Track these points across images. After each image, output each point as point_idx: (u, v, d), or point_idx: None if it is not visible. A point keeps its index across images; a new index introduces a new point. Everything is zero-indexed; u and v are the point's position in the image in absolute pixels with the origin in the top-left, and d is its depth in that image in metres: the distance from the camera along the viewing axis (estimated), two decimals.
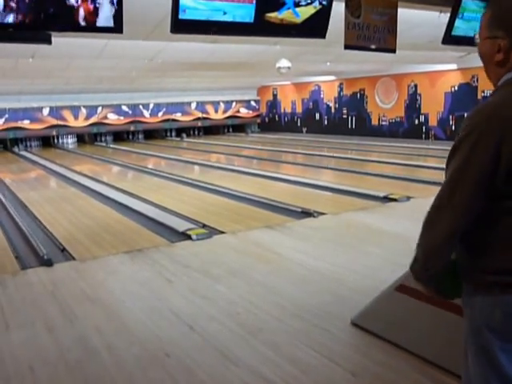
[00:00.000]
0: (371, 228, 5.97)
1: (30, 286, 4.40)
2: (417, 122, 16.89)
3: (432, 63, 14.75)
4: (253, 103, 23.30)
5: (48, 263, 4.92)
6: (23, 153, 17.98)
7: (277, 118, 22.95)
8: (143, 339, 3.33)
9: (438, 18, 4.67)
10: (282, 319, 3.54)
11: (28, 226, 6.43)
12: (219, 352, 3.11)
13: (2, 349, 3.27)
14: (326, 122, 20.41)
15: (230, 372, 2.88)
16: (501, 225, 1.52)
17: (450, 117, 15.84)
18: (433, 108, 16.29)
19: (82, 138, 20.73)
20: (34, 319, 3.70)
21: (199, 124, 22.16)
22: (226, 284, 4.28)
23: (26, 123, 19.17)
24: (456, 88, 15.52)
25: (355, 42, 4.32)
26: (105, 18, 3.31)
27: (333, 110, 20.03)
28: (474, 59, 13.09)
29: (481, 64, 1.63)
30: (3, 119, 18.88)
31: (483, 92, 14.48)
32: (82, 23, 3.25)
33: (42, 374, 2.95)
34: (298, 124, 21.77)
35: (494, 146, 1.43)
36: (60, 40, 4.07)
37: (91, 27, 3.30)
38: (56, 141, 20.18)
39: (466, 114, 1.59)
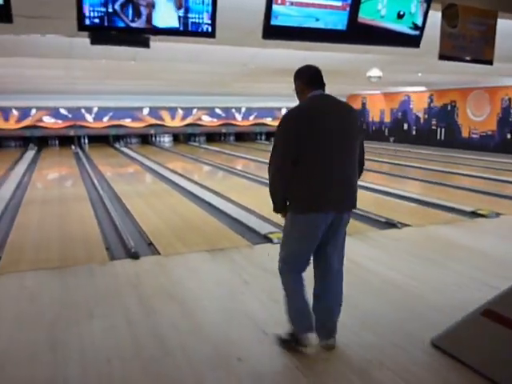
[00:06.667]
0: (455, 243, 5.72)
1: (115, 277, 4.59)
2: (509, 136, 16.15)
3: None
4: None
5: (135, 256, 5.11)
6: (123, 149, 18.93)
7: (365, 127, 22.70)
8: (216, 341, 3.33)
9: None
10: (355, 331, 3.45)
11: (120, 218, 6.74)
12: (290, 361, 3.06)
13: (84, 337, 3.38)
14: (414, 133, 20.10)
15: (298, 382, 2.85)
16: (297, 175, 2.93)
17: None
18: None
19: (177, 138, 21.51)
20: (116, 310, 3.83)
21: None
22: None
23: (127, 121, 20.23)
24: None
25: (451, 52, 4.17)
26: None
27: (422, 121, 19.68)
28: None
29: None
30: (107, 117, 19.99)
31: None
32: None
33: (117, 368, 2.99)
34: (386, 133, 21.57)
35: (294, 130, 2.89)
36: (159, 44, 4.24)
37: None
38: (154, 139, 21.08)
39: None
